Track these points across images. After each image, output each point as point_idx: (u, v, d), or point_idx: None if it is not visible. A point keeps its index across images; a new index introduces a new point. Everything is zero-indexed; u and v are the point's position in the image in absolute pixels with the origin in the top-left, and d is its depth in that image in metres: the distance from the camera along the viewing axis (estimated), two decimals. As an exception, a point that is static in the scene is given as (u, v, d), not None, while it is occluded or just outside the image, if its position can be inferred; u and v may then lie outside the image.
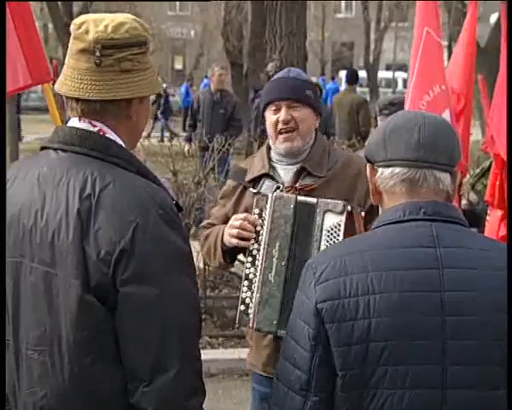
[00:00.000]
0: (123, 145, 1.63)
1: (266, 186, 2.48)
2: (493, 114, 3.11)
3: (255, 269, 2.35)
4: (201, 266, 5.21)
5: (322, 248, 2.28)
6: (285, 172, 2.50)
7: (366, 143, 1.70)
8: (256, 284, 2.33)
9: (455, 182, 1.62)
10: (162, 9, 26.41)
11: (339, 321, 1.48)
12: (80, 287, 1.51)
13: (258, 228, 2.37)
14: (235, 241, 2.38)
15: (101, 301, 1.51)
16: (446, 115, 3.47)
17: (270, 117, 2.52)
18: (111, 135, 1.62)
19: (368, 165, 1.65)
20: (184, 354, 1.52)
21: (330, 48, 31.26)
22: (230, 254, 2.49)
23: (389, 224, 1.57)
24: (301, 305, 1.54)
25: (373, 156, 1.62)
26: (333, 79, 25.00)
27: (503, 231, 3.03)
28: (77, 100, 1.60)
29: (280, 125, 2.48)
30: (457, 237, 1.55)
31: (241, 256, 2.54)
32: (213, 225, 2.59)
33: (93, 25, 1.59)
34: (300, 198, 2.36)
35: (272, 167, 2.52)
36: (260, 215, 2.37)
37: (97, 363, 1.53)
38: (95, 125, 1.61)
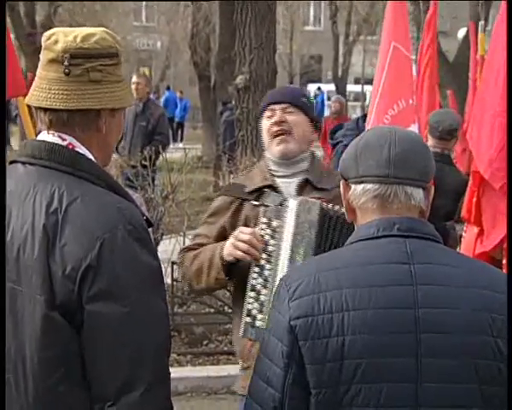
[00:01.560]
0: (93, 160, 1.60)
1: (272, 199, 2.39)
2: (472, 132, 3.08)
3: (264, 280, 2.28)
4: (169, 281, 5.13)
5: None
6: (285, 186, 2.45)
7: (340, 160, 1.67)
8: (267, 296, 2.24)
9: (428, 197, 1.60)
10: (128, 20, 26.25)
11: (312, 338, 1.46)
12: (45, 304, 1.47)
13: (267, 238, 2.30)
14: (240, 254, 2.30)
15: (67, 320, 1.48)
16: (414, 129, 3.46)
17: (264, 123, 2.48)
18: (80, 149, 1.59)
19: (342, 181, 1.64)
20: (152, 375, 1.49)
21: (298, 61, 31.42)
22: (228, 270, 2.38)
23: (363, 240, 1.56)
24: (275, 322, 1.52)
25: (346, 173, 1.62)
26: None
27: (480, 249, 3.00)
28: (45, 110, 1.59)
29: (274, 128, 2.44)
30: (432, 253, 1.54)
31: None
32: (202, 245, 2.49)
33: (63, 35, 1.59)
34: (324, 204, 2.31)
35: (274, 180, 2.47)
36: (269, 225, 2.31)
37: (63, 384, 1.49)
38: (64, 139, 1.59)
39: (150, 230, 1.61)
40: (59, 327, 1.48)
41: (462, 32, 10.45)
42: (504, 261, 2.86)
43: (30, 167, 1.58)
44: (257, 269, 2.30)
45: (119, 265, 1.48)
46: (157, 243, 5.37)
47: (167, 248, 5.44)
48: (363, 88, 27.39)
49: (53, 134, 1.60)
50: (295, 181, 2.45)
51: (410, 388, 1.45)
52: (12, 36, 5.36)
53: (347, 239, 2.26)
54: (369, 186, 1.56)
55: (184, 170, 6.17)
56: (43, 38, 1.61)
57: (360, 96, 27.43)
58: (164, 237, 5.92)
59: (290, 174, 2.47)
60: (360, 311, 1.46)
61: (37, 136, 1.67)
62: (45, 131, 1.61)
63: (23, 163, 1.60)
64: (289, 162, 2.46)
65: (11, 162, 1.65)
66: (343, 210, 2.27)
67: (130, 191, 4.13)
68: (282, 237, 2.29)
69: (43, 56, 1.61)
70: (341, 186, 1.64)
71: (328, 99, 28.01)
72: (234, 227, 2.42)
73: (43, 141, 1.60)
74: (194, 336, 5.33)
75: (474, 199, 3.07)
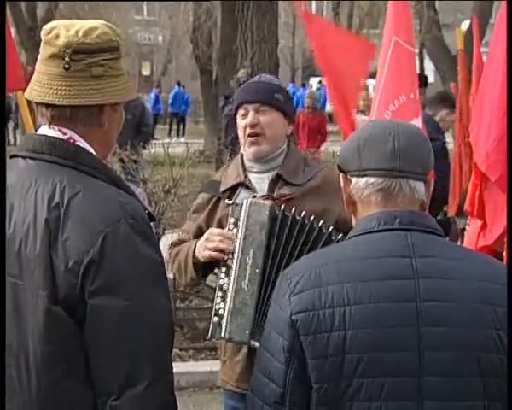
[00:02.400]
0: (94, 153, 1.59)
1: (242, 196, 2.42)
2: (473, 125, 3.08)
3: (229, 279, 2.29)
4: (171, 276, 5.12)
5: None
6: (259, 182, 2.45)
7: (340, 153, 1.66)
8: (229, 293, 2.27)
9: (429, 190, 1.60)
10: (129, 14, 26.18)
11: (314, 333, 1.46)
12: (48, 299, 1.47)
13: (234, 239, 2.31)
14: (207, 253, 2.32)
15: (70, 314, 1.47)
16: (416, 123, 3.45)
17: (239, 123, 2.48)
18: (81, 143, 1.58)
19: (341, 175, 1.63)
20: (155, 369, 1.49)
21: (301, 54, 31.35)
22: (202, 268, 2.42)
23: (364, 234, 1.55)
24: (276, 316, 1.52)
25: (347, 166, 1.60)
26: (303, 85, 25.07)
27: (483, 242, 2.99)
28: (46, 106, 1.58)
29: (247, 130, 2.44)
30: (433, 246, 1.54)
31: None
32: (183, 241, 2.53)
33: (64, 30, 1.57)
34: (275, 205, 2.31)
35: (247, 177, 2.47)
36: (236, 225, 2.32)
37: (66, 379, 1.49)
38: (65, 133, 1.58)
39: (152, 224, 1.61)
40: (61, 322, 1.48)
41: (465, 25, 10.43)
42: (505, 254, 2.85)
43: (31, 162, 1.58)
44: (224, 269, 2.31)
45: (121, 259, 1.48)
46: (159, 238, 5.36)
47: (169, 243, 5.42)
48: (365, 81, 27.28)
49: (53, 128, 1.59)
50: (267, 176, 2.45)
51: (413, 382, 1.45)
52: (13, 30, 5.38)
53: (301, 242, 2.21)
54: (372, 179, 1.55)
55: (186, 164, 6.15)
56: (43, 32, 1.59)
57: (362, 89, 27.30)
58: (166, 231, 5.90)
59: (265, 170, 2.47)
60: (362, 305, 1.46)
61: (36, 130, 1.66)
62: (46, 126, 1.60)
63: (24, 157, 1.59)
64: (263, 161, 2.46)
65: (11, 156, 1.64)
66: (299, 213, 2.27)
67: (133, 186, 4.11)
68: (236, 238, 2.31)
69: (44, 51, 1.59)
70: (341, 179, 1.63)
71: (331, 93, 28.00)
72: (209, 226, 2.45)
73: (44, 135, 1.59)
74: (197, 331, 5.32)
75: (477, 192, 3.06)
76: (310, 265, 1.54)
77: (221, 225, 2.41)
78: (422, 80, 10.00)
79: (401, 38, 3.68)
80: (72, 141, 1.58)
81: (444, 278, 1.50)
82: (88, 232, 1.48)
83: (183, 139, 18.47)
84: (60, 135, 1.58)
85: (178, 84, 23.00)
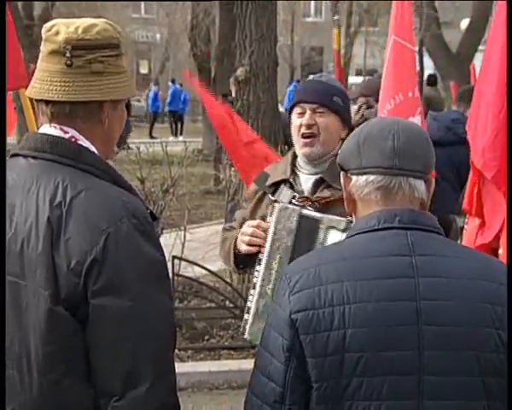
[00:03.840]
0: (96, 152, 1.59)
1: (284, 194, 2.43)
2: (470, 122, 3.06)
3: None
4: (170, 276, 5.08)
5: None
6: (306, 181, 2.46)
7: (339, 151, 1.66)
8: (254, 296, 2.29)
9: (430, 189, 1.60)
10: (126, 12, 26.14)
11: (313, 332, 1.46)
12: (50, 298, 1.47)
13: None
14: (245, 248, 2.35)
15: (72, 314, 1.47)
16: (416, 122, 3.43)
17: (294, 120, 2.48)
18: (83, 142, 1.58)
19: (342, 173, 1.63)
20: (157, 369, 1.48)
21: (300, 53, 31.32)
22: (242, 261, 2.44)
23: (364, 232, 1.55)
24: (275, 316, 1.52)
25: (347, 164, 1.60)
26: (298, 82, 25.02)
27: (481, 241, 2.97)
28: (46, 103, 1.57)
29: (302, 129, 2.43)
30: (433, 245, 1.53)
31: None
32: (233, 228, 2.55)
33: (64, 26, 1.57)
34: (304, 212, 2.31)
35: (294, 174, 2.47)
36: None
37: (67, 378, 1.49)
38: (66, 132, 1.58)
39: (154, 223, 1.61)
40: (63, 321, 1.47)
41: (464, 23, 10.40)
42: (501, 251, 2.83)
43: (32, 161, 1.57)
44: (258, 267, 2.31)
45: (123, 258, 1.47)
46: (157, 237, 5.32)
47: (168, 243, 5.40)
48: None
49: (55, 127, 1.58)
50: (313, 178, 2.45)
51: (413, 380, 1.45)
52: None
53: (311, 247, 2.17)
54: (372, 177, 1.55)
55: (185, 163, 6.12)
56: (44, 30, 1.59)
57: (361, 88, 27.23)
58: (164, 231, 5.88)
59: (314, 173, 2.47)
60: (361, 304, 1.46)
61: (38, 129, 1.65)
62: (47, 124, 1.59)
63: (25, 156, 1.59)
64: (315, 163, 2.46)
65: (12, 155, 1.63)
66: (327, 217, 2.26)
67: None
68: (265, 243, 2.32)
69: (44, 48, 1.59)
70: (341, 177, 1.62)
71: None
72: (253, 218, 2.47)
73: (46, 134, 1.58)
74: (196, 331, 5.30)
75: (475, 190, 3.04)
76: (309, 264, 1.54)
77: (264, 219, 2.41)
78: (432, 79, 9.96)
79: (400, 36, 3.68)
80: (73, 140, 1.57)
81: (444, 277, 1.49)
82: (90, 232, 1.47)
83: (181, 138, 18.42)
84: (61, 134, 1.57)
85: (173, 81, 22.91)
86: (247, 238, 2.34)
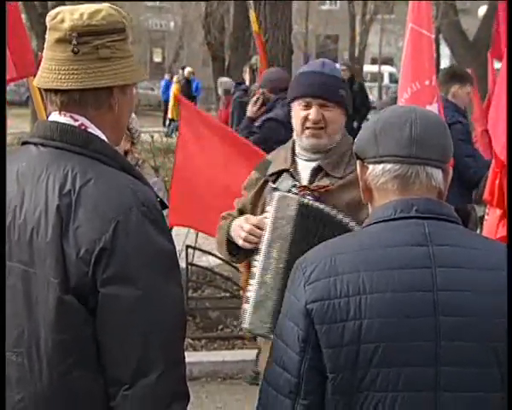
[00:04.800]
0: (106, 140, 1.58)
1: (285, 183, 2.41)
2: (491, 112, 3.01)
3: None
4: (184, 265, 5.08)
5: None
6: (304, 168, 2.43)
7: (355, 140, 1.64)
8: (253, 286, 2.27)
9: (447, 179, 1.58)
10: (140, 0, 26.09)
11: (329, 322, 1.45)
12: (59, 287, 1.46)
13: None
14: (241, 242, 2.35)
15: (82, 302, 1.46)
16: (433, 110, 3.40)
17: (298, 112, 2.43)
18: (93, 130, 1.57)
19: (358, 162, 1.61)
20: (167, 358, 1.48)
21: (314, 41, 31.16)
22: (235, 248, 2.44)
23: (380, 222, 1.53)
24: (290, 306, 1.51)
25: (363, 152, 1.59)
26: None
27: (502, 232, 2.93)
28: (55, 92, 1.56)
29: (308, 124, 2.40)
30: (450, 235, 1.52)
31: None
32: (231, 215, 2.53)
33: (68, 14, 1.56)
34: (304, 200, 2.29)
35: (294, 162, 2.45)
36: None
37: (77, 368, 1.48)
38: (76, 120, 1.57)
39: (165, 212, 1.59)
40: (73, 310, 1.47)
41: (482, 10, 10.26)
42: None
43: (42, 149, 1.57)
44: (257, 257, 2.29)
45: (133, 247, 1.46)
46: (171, 227, 5.31)
47: (181, 232, 5.39)
48: (380, 68, 27.10)
49: (64, 115, 1.57)
50: (312, 166, 2.43)
51: (429, 372, 1.43)
52: (23, 17, 5.38)
53: (327, 238, 2.21)
54: (389, 166, 1.53)
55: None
56: (48, 18, 1.58)
57: (377, 77, 27.12)
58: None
59: (313, 159, 2.44)
60: (378, 294, 1.44)
61: (47, 117, 1.64)
62: (56, 112, 1.58)
63: (35, 144, 1.58)
64: (317, 152, 2.43)
65: (23, 143, 1.63)
66: (326, 208, 2.25)
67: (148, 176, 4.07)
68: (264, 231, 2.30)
69: (50, 36, 1.58)
70: (358, 166, 1.61)
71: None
72: (255, 206, 2.47)
73: (56, 122, 1.58)
74: (210, 320, 5.30)
75: (497, 181, 3.00)
76: (325, 254, 1.52)
77: (265, 208, 2.41)
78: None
79: (418, 24, 3.64)
80: (83, 128, 1.57)
81: (461, 267, 1.48)
82: (99, 220, 1.46)
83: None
84: (71, 121, 1.57)
85: (183, 69, 22.78)
86: (243, 234, 2.32)
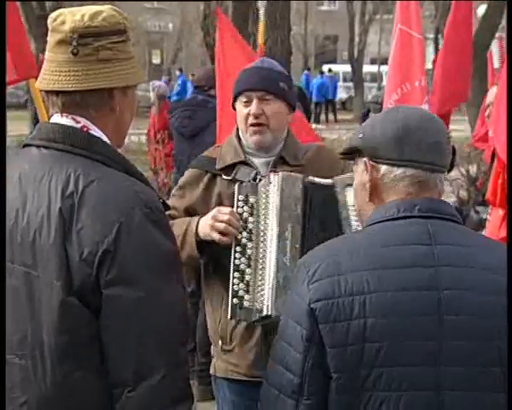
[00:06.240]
0: (108, 142, 1.58)
1: (242, 173, 2.36)
2: (493, 110, 3.00)
3: (247, 259, 2.23)
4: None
5: (354, 224, 2.18)
6: (262, 164, 2.40)
7: (360, 135, 1.61)
8: (268, 270, 2.20)
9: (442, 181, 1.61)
10: (139, 2, 26.09)
11: (333, 321, 1.44)
12: (62, 289, 1.46)
13: (245, 215, 2.25)
14: (216, 235, 2.24)
15: (85, 304, 1.47)
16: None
17: (240, 109, 2.40)
18: (95, 131, 1.57)
19: (363, 159, 1.58)
20: (169, 360, 1.48)
21: (313, 41, 31.17)
22: (202, 245, 2.32)
23: (383, 221, 1.53)
24: (293, 305, 1.50)
25: (377, 152, 1.56)
26: (321, 73, 24.79)
27: (504, 233, 2.91)
28: (57, 93, 1.57)
29: (250, 119, 2.36)
30: (453, 234, 1.52)
31: None
32: (172, 217, 2.39)
33: (69, 15, 1.56)
34: (309, 178, 2.27)
35: (247, 157, 2.40)
36: (246, 202, 2.26)
37: (80, 369, 1.48)
38: (78, 121, 1.57)
39: (167, 213, 1.59)
40: (76, 312, 1.47)
41: (481, 10, 10.23)
42: None
43: (44, 151, 1.56)
44: (238, 248, 2.24)
45: (136, 248, 1.46)
46: (170, 227, 5.31)
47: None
48: (379, 68, 27.09)
49: (66, 116, 1.57)
50: (269, 160, 2.40)
51: (432, 371, 1.43)
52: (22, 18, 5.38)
53: (333, 212, 2.18)
54: (411, 172, 1.53)
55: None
56: (50, 20, 1.59)
57: (377, 77, 27.11)
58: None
59: (266, 157, 2.41)
60: (381, 293, 1.44)
61: (49, 119, 1.64)
62: (58, 114, 1.58)
63: (37, 146, 1.58)
64: (264, 150, 2.40)
65: (24, 146, 1.63)
66: (326, 181, 2.24)
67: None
68: (265, 213, 2.24)
69: (51, 38, 1.58)
70: (359, 164, 1.59)
71: (345, 80, 27.76)
72: (206, 203, 2.37)
73: (58, 124, 1.57)
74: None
75: (500, 181, 2.98)
76: (328, 253, 1.52)
77: (221, 202, 2.35)
78: None
79: (407, 25, 3.65)
80: (85, 129, 1.57)
81: (464, 267, 1.48)
82: (102, 222, 1.46)
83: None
84: (73, 123, 1.57)
85: (180, 70, 22.78)
86: (221, 225, 2.22)
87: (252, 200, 2.26)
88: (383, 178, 1.55)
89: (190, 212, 2.39)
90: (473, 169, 5.41)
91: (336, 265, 1.48)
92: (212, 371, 2.48)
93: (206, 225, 2.27)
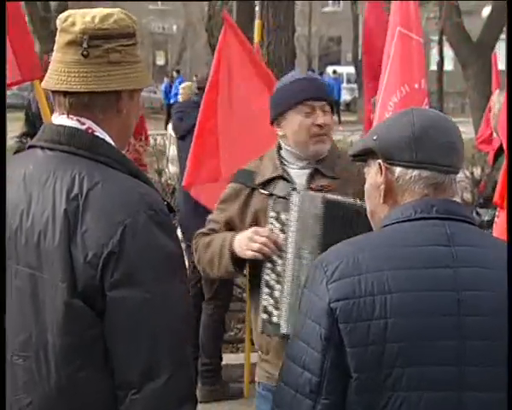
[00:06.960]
0: (113, 144, 1.58)
1: (280, 188, 2.38)
2: (503, 115, 2.99)
3: (276, 275, 2.26)
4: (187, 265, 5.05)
5: None
6: (298, 176, 2.41)
7: (374, 137, 1.60)
8: (286, 289, 2.23)
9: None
10: (143, 3, 26.11)
11: (354, 321, 1.43)
12: (67, 291, 1.45)
13: (277, 232, 2.27)
14: (250, 254, 2.28)
15: (89, 306, 1.46)
16: None
17: (301, 120, 2.38)
18: (100, 133, 1.57)
19: (377, 162, 1.58)
20: (175, 361, 1.47)
21: (317, 42, 31.15)
22: (239, 262, 2.37)
23: (400, 222, 1.52)
24: (311, 304, 1.49)
25: (391, 154, 1.56)
26: (321, 74, 24.90)
27: None
28: (64, 94, 1.56)
29: (315, 129, 2.37)
30: (469, 236, 1.53)
31: None
32: (214, 230, 2.47)
33: (80, 17, 1.56)
34: (329, 196, 2.28)
35: (284, 170, 2.42)
36: (278, 219, 2.28)
37: (85, 371, 1.47)
38: (83, 123, 1.56)
39: (171, 215, 1.59)
40: (81, 314, 1.46)
41: (486, 11, 10.21)
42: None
43: (49, 152, 1.56)
44: (269, 265, 2.27)
45: (140, 250, 1.46)
46: (174, 229, 5.30)
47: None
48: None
49: (71, 118, 1.57)
50: (307, 172, 2.42)
51: (453, 371, 1.43)
52: (27, 19, 5.38)
53: (354, 230, 2.14)
54: (427, 173, 1.53)
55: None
56: (59, 21, 1.58)
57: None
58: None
59: (305, 167, 2.43)
60: (402, 293, 1.43)
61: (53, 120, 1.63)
62: (64, 115, 1.58)
63: (42, 148, 1.57)
64: (317, 158, 2.42)
65: (29, 147, 1.62)
66: (348, 200, 2.24)
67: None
68: (287, 231, 2.26)
69: (60, 39, 1.57)
70: (372, 166, 1.59)
71: (349, 82, 27.74)
72: (242, 218, 2.41)
73: (62, 125, 1.57)
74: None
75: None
76: (346, 252, 1.51)
77: (257, 217, 2.38)
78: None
79: (406, 27, 3.64)
80: (90, 131, 1.56)
81: (482, 267, 1.49)
82: (107, 224, 1.46)
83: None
84: (78, 125, 1.56)
85: (178, 72, 22.75)
86: (256, 245, 2.26)
87: (283, 217, 2.28)
88: (398, 180, 1.55)
89: (230, 225, 2.43)
90: (477, 171, 5.40)
91: (356, 264, 1.46)
92: (257, 378, 2.53)
93: (241, 243, 2.30)
